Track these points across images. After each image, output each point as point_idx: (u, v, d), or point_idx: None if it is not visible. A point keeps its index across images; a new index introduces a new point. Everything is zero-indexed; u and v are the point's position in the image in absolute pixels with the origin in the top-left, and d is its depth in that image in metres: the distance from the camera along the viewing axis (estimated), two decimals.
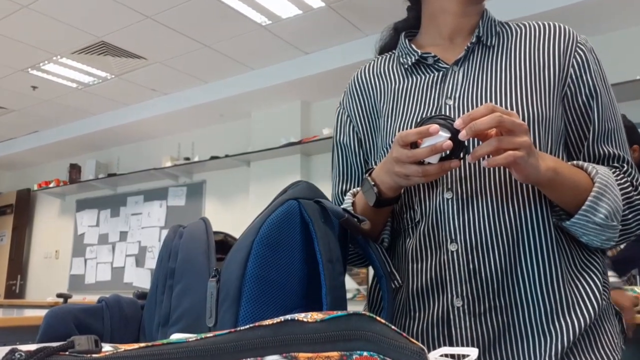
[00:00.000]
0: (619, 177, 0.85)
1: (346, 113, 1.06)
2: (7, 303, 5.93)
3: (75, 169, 6.68)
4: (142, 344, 0.40)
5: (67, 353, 0.38)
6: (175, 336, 0.43)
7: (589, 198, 0.78)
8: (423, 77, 0.96)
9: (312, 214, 0.72)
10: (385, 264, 0.82)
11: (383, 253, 0.89)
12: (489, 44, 0.93)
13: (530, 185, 0.83)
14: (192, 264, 0.76)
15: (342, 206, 0.91)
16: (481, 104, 0.86)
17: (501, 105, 0.86)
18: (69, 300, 4.34)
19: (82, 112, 5.87)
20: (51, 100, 5.53)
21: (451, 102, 0.90)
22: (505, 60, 0.91)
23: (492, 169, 0.84)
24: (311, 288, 0.70)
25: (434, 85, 0.94)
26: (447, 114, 0.89)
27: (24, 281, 7.18)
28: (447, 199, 0.86)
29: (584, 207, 0.78)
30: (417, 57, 0.96)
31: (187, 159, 5.71)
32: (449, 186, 0.86)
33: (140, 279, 5.93)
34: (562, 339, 0.80)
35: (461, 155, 0.76)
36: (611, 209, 0.79)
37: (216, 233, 0.83)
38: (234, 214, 5.32)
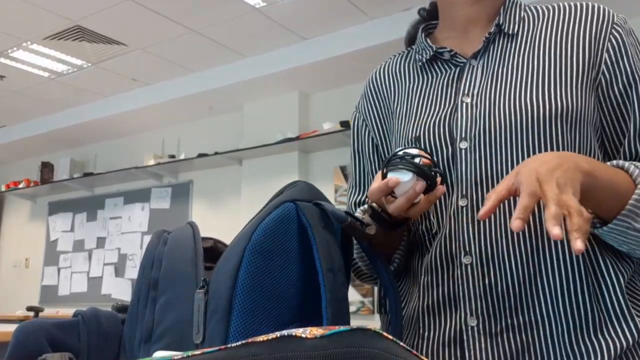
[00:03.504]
0: None
1: (362, 117, 1.07)
2: None
3: (47, 168, 6.69)
4: None
5: None
6: (159, 354, 0.43)
7: (630, 202, 0.76)
8: (439, 74, 0.97)
9: (310, 218, 0.72)
10: (391, 273, 0.82)
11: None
12: (510, 32, 0.93)
13: None
14: (177, 274, 0.76)
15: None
16: (501, 100, 0.87)
17: (524, 100, 0.86)
18: (41, 314, 4.35)
19: (55, 104, 5.88)
20: (21, 91, 5.53)
21: (468, 100, 0.90)
22: (530, 50, 0.91)
23: (507, 169, 0.85)
24: (310, 300, 0.70)
25: (450, 82, 0.94)
26: (464, 112, 0.90)
27: None
28: (462, 207, 0.86)
29: (623, 212, 0.76)
30: (432, 53, 0.97)
31: (172, 156, 5.72)
32: (464, 192, 0.87)
33: (120, 290, 5.94)
34: None
35: (437, 180, 0.80)
36: None
37: (205, 239, 0.84)
38: (224, 217, 5.33)
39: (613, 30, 0.89)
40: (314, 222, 0.71)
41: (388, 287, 0.81)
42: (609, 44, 0.88)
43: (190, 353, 0.42)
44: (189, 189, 5.77)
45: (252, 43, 4.55)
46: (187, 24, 4.24)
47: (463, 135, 0.88)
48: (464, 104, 0.90)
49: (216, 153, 5.26)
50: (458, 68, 0.94)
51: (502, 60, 0.92)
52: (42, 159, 6.80)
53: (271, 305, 0.69)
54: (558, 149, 0.83)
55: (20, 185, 6.78)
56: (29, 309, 4.26)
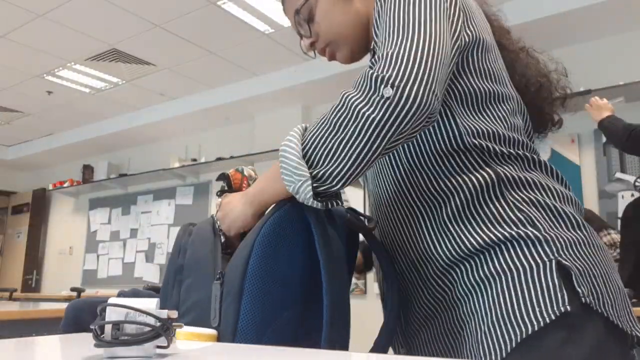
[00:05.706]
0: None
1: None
2: (23, 296, 5.93)
3: (88, 170, 6.68)
4: None
5: None
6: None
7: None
8: None
9: (313, 215, 0.71)
10: (392, 262, 0.80)
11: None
12: None
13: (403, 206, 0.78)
14: (198, 261, 0.76)
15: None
16: None
17: None
18: (82, 294, 4.34)
19: (94, 115, 5.87)
20: (65, 104, 5.52)
21: None
22: None
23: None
24: (314, 286, 0.69)
25: None
26: None
27: (40, 276, 7.18)
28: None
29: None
30: None
31: (194, 160, 5.71)
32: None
33: (150, 273, 5.93)
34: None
35: None
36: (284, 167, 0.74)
37: None
38: None
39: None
40: (317, 218, 0.71)
41: (387, 273, 0.78)
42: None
43: None
44: (209, 187, 5.76)
45: (262, 63, 4.54)
46: (206, 47, 4.24)
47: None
48: None
49: (232, 157, 5.26)
50: None
51: None
52: (83, 162, 6.79)
53: (277, 290, 0.68)
54: None
55: (65, 185, 6.78)
56: (73, 289, 4.25)
